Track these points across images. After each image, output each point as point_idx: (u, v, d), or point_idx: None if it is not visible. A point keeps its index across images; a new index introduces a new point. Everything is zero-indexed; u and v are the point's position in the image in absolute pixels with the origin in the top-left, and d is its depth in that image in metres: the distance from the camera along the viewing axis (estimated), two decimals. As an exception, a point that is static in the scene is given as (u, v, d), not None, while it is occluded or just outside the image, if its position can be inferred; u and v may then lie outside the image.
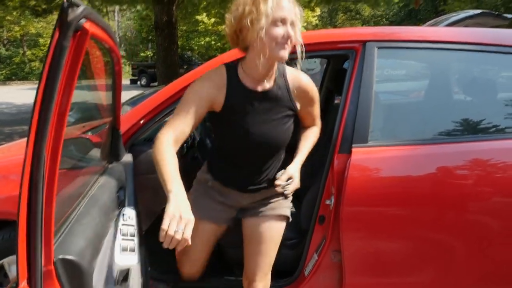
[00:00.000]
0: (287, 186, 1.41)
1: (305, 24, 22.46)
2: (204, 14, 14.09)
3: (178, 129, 1.28)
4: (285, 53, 1.26)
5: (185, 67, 17.28)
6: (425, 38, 1.71)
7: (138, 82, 19.94)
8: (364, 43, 1.69)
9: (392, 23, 29.38)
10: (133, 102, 5.51)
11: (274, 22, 1.21)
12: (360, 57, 1.68)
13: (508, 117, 1.69)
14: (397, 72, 2.18)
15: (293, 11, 1.24)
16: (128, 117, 1.78)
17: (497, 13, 2.43)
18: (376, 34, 1.75)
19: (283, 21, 1.22)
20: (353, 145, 1.59)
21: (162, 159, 1.18)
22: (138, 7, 14.24)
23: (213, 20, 16.18)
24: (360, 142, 1.60)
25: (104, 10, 11.76)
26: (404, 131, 1.75)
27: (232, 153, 1.46)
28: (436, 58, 1.82)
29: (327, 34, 1.85)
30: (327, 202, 1.61)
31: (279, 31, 1.22)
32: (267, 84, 1.36)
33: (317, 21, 23.43)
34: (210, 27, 17.04)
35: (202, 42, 19.72)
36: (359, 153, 1.58)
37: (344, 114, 1.64)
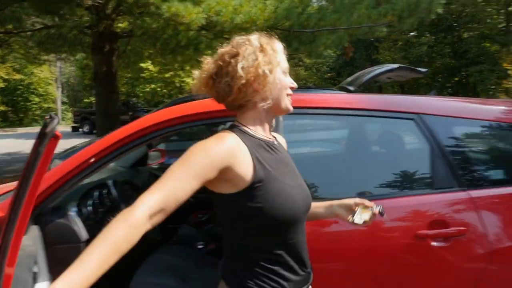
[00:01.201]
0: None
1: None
2: (149, 61, 14.22)
3: (171, 196, 0.94)
4: (291, 106, 1.19)
5: (130, 113, 17.06)
6: (324, 104, 1.86)
7: (80, 129, 19.31)
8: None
9: (332, 69, 31.30)
10: (65, 155, 5.31)
11: (284, 72, 1.16)
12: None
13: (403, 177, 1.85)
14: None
15: None
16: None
17: (412, 67, 2.72)
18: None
19: (288, 71, 1.19)
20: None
21: (109, 235, 0.84)
22: (78, 56, 14.07)
23: (158, 67, 16.31)
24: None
25: (42, 58, 11.49)
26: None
27: (281, 229, 1.10)
28: (336, 123, 1.98)
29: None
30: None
31: (288, 80, 1.18)
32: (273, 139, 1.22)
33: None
34: (156, 74, 17.17)
35: (148, 89, 19.72)
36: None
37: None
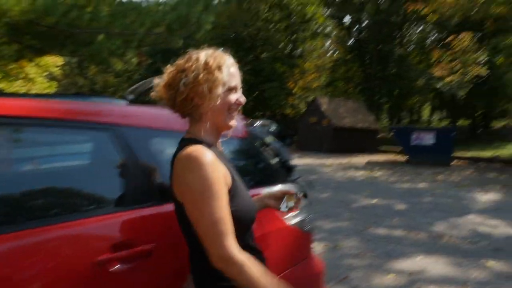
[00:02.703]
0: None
1: (47, 73, 20.47)
2: None
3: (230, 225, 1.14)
4: (234, 122, 1.29)
5: None
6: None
7: None
8: None
9: (143, 76, 31.00)
10: None
11: (229, 90, 1.24)
12: None
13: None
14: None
15: (239, 77, 1.29)
16: None
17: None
18: None
19: (236, 89, 1.26)
20: None
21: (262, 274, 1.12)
22: None
23: None
24: None
25: None
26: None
27: (249, 227, 1.31)
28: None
29: None
30: None
31: (233, 97, 1.26)
32: None
33: (62, 71, 21.75)
34: None
35: None
36: None
37: None
